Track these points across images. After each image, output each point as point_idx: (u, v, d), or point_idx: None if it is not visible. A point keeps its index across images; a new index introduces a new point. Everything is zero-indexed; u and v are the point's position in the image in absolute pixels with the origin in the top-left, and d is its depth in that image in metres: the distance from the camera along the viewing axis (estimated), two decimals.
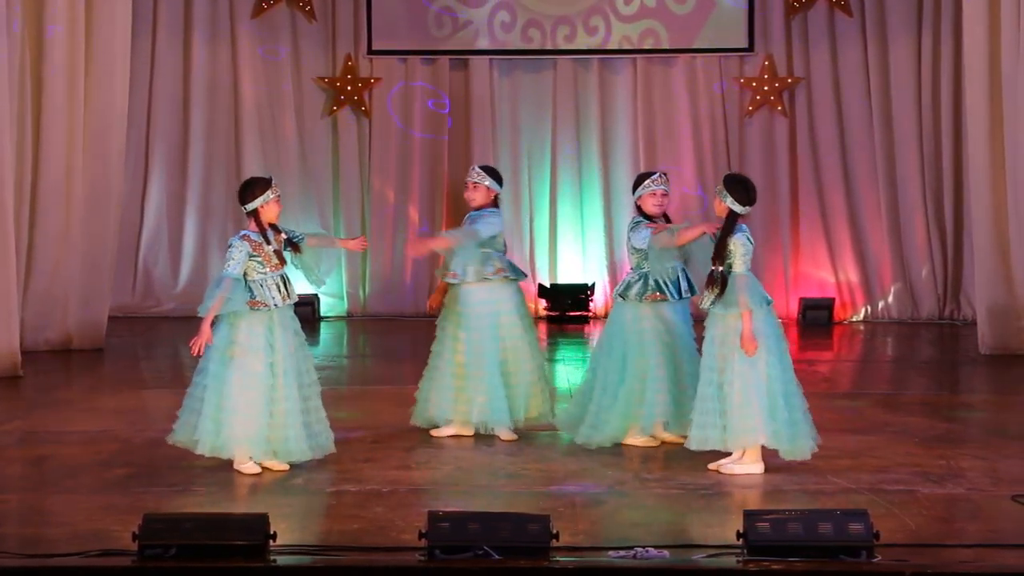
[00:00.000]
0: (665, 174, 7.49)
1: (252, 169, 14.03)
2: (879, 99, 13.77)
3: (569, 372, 10.49)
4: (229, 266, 6.77)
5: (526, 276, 7.85)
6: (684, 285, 7.38)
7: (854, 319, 13.85)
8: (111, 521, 5.74)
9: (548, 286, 14.05)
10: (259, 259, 6.82)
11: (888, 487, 6.47)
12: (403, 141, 14.16)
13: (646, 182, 7.41)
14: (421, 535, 5.18)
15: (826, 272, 13.99)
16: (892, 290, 13.81)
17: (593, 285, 14.00)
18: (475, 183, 7.61)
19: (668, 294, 7.30)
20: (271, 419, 6.76)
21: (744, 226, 6.79)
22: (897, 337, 12.91)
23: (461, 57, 14.13)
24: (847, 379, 10.81)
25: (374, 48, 14.07)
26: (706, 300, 6.81)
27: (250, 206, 6.88)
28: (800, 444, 6.72)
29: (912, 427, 8.09)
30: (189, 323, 13.36)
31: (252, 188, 6.92)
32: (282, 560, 5.18)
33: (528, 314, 7.87)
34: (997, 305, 11.20)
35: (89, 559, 5.17)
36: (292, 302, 6.94)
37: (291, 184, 13.99)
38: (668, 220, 7.48)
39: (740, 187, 6.83)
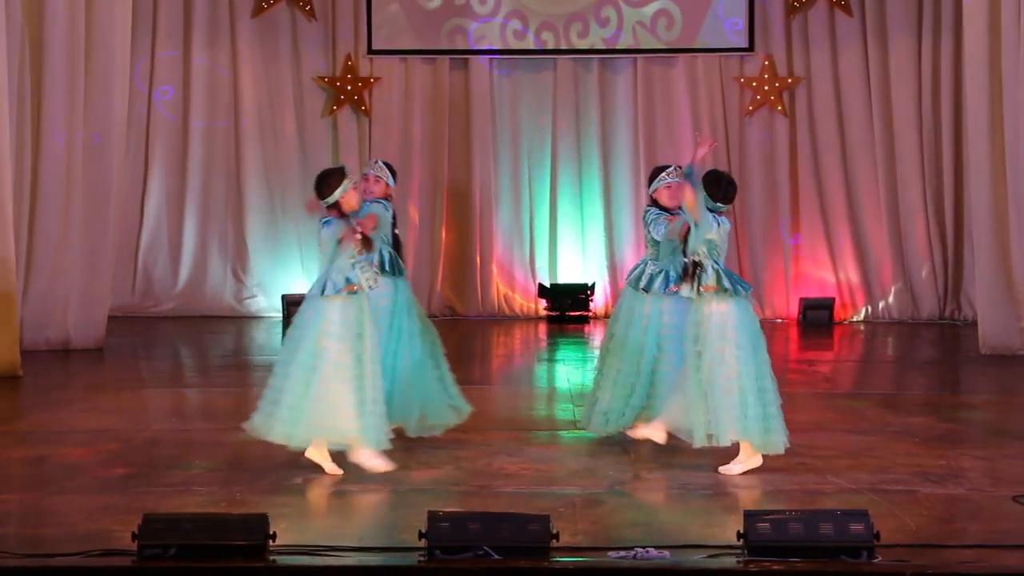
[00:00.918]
0: (680, 167, 7.47)
1: (252, 169, 14.07)
2: (879, 99, 13.76)
3: (569, 372, 10.48)
4: (325, 244, 6.69)
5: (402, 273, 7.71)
6: None
7: (854, 319, 13.84)
8: (111, 521, 5.73)
9: (548, 286, 14.04)
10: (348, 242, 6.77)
11: (889, 487, 6.46)
12: (403, 141, 14.15)
13: (662, 175, 7.42)
14: (421, 535, 5.17)
15: (826, 272, 13.99)
16: (892, 290, 13.81)
17: (593, 285, 13.99)
18: (377, 176, 7.63)
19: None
20: (365, 407, 6.68)
21: (722, 218, 6.76)
22: (898, 337, 12.90)
23: (461, 57, 14.13)
24: (848, 379, 10.81)
25: (374, 48, 14.07)
26: (684, 290, 6.81)
27: (331, 199, 6.77)
28: (773, 438, 6.70)
29: (913, 427, 8.08)
30: (189, 323, 13.49)
31: (329, 180, 6.79)
32: (282, 560, 5.17)
33: (414, 309, 7.61)
34: (997, 305, 11.19)
35: (89, 559, 5.16)
36: (378, 287, 6.90)
37: (291, 184, 14.00)
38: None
39: (715, 184, 6.77)
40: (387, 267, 7.45)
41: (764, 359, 6.76)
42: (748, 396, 6.65)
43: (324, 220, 6.76)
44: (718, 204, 6.74)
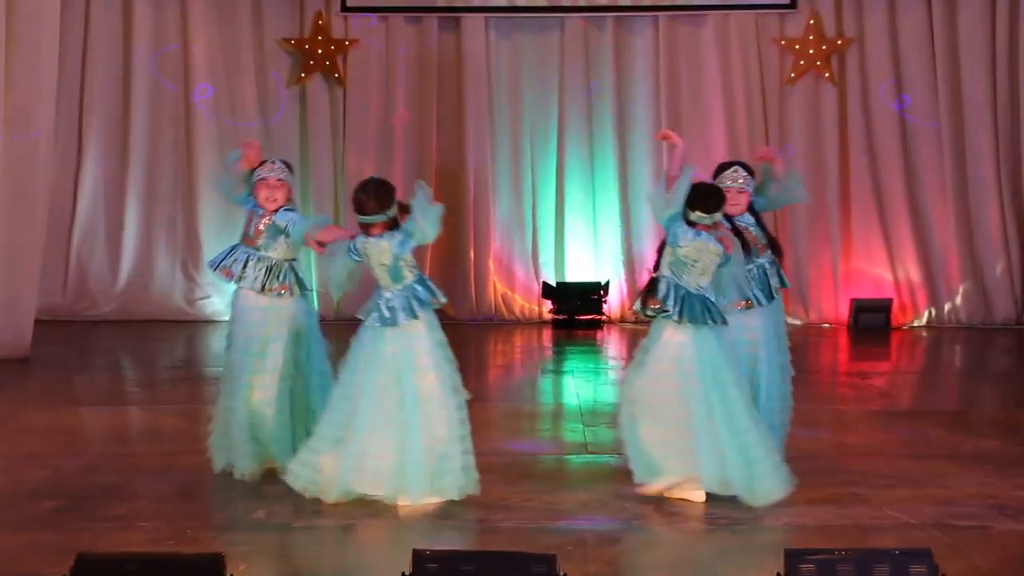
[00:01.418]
0: (744, 166, 7.40)
1: (205, 147, 14.04)
2: (945, 65, 13.77)
3: (578, 386, 10.48)
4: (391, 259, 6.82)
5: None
6: (775, 281, 7.37)
7: (916, 324, 13.85)
8: (38, 562, 5.74)
9: (554, 285, 14.05)
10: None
11: (956, 522, 6.47)
12: (384, 115, 14.15)
13: (721, 176, 7.30)
14: None
15: (882, 269, 14.00)
16: (960, 290, 13.82)
17: (607, 284, 14.00)
18: (280, 180, 7.52)
19: (755, 299, 7.25)
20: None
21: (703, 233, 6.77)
22: (966, 345, 12.90)
23: (452, 16, 14.13)
24: (908, 394, 10.81)
25: (349, 4, 14.07)
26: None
27: (391, 212, 6.85)
28: (763, 484, 6.69)
29: (985, 451, 8.08)
30: (131, 328, 13.47)
31: (391, 191, 6.89)
32: None
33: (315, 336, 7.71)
34: None
35: None
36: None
37: None
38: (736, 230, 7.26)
39: (695, 192, 6.77)
40: (304, 285, 7.57)
41: (735, 396, 6.75)
42: (702, 439, 6.66)
43: (386, 235, 6.82)
44: (699, 214, 6.73)
